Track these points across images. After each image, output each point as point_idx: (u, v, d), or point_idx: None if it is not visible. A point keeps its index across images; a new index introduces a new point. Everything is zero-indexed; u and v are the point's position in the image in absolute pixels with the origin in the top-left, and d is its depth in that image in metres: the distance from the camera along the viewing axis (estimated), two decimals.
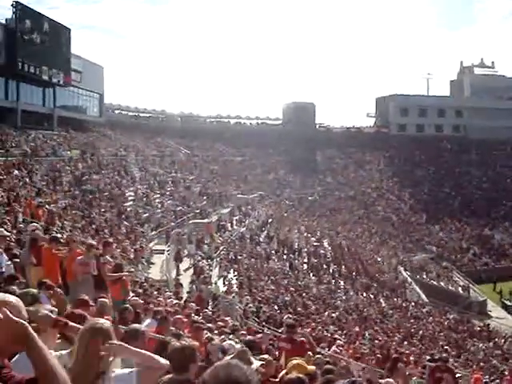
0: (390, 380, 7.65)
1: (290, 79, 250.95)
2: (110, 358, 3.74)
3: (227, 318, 16.34)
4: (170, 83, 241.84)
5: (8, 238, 13.42)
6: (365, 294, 38.46)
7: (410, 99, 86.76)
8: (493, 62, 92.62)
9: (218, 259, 32.82)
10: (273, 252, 40.68)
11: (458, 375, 13.60)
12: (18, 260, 11.53)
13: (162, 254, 30.24)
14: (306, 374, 6.34)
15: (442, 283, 50.10)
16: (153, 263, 28.75)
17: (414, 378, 15.08)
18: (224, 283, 28.14)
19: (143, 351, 4.18)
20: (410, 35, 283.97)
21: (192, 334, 9.46)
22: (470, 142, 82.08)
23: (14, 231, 15.72)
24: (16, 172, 29.98)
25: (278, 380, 5.89)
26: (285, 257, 41.13)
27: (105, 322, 3.98)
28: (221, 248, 35.48)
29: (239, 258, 34.39)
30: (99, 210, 31.85)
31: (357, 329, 25.74)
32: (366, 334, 24.96)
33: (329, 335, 20.20)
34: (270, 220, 49.80)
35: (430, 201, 71.42)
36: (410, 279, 47.88)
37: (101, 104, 62.76)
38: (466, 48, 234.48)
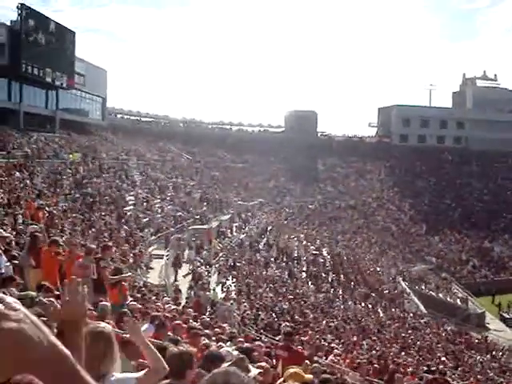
0: None
1: (292, 87, 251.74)
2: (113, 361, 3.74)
3: (225, 325, 16.30)
4: (173, 88, 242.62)
5: (7, 240, 13.40)
6: (363, 304, 38.38)
7: (412, 110, 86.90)
8: (495, 75, 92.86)
9: (217, 265, 32.80)
10: (272, 259, 40.63)
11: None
12: (17, 262, 11.51)
13: (161, 258, 30.22)
14: (303, 382, 6.33)
15: (440, 295, 50.00)
16: (152, 268, 28.71)
17: None
18: (222, 290, 28.13)
19: (153, 348, 4.18)
20: (414, 46, 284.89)
21: (189, 340, 9.44)
22: (472, 153, 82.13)
23: (14, 233, 15.70)
24: (17, 174, 29.99)
25: None
26: (284, 264, 41.06)
27: (106, 326, 3.97)
28: (220, 254, 35.46)
29: (238, 264, 34.36)
30: (99, 213, 31.82)
31: (354, 338, 25.68)
32: (364, 344, 24.89)
33: (326, 344, 20.15)
34: (269, 227, 49.76)
35: (430, 212, 71.38)
36: (408, 290, 47.81)
37: (103, 108, 62.84)
38: (469, 60, 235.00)
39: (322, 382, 6.97)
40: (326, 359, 15.37)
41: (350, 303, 37.04)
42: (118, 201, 37.16)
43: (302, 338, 18.14)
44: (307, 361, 9.26)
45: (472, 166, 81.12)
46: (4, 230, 13.96)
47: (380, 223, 67.61)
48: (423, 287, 50.81)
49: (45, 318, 3.33)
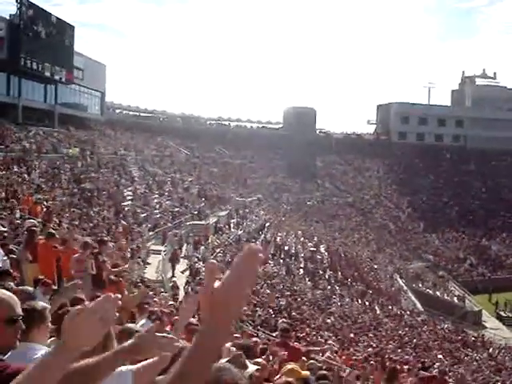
0: None
1: (291, 84, 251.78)
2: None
3: None
4: (172, 84, 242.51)
5: (5, 234, 13.40)
6: (360, 301, 38.42)
7: (411, 107, 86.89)
8: (495, 73, 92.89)
9: (215, 261, 32.76)
10: (269, 256, 40.62)
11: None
12: (14, 256, 11.49)
13: (159, 254, 30.22)
14: (300, 378, 6.33)
15: (437, 292, 50.08)
16: (149, 263, 28.70)
17: None
18: None
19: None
20: (413, 44, 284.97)
21: (186, 335, 9.42)
22: (470, 151, 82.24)
23: (12, 227, 15.69)
24: (15, 168, 29.97)
25: None
26: (281, 261, 41.08)
27: None
28: (217, 250, 35.46)
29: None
30: (97, 208, 31.79)
31: (351, 335, 25.70)
32: (361, 341, 24.92)
33: (323, 341, 20.15)
34: (267, 224, 49.76)
35: (428, 209, 71.48)
36: (405, 287, 47.91)
37: (102, 102, 62.72)
38: (468, 58, 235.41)
39: (319, 378, 6.97)
40: (323, 356, 15.37)
41: (347, 300, 37.08)
42: (116, 196, 37.14)
43: (299, 335, 18.15)
44: (304, 357, 9.26)
45: (470, 165, 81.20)
46: (1, 225, 13.95)
47: (378, 220, 67.70)
48: (420, 285, 50.90)
49: None
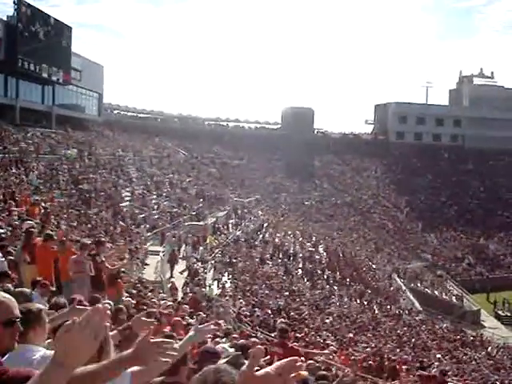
0: None
1: (289, 84, 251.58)
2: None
3: (220, 321, 16.30)
4: (170, 84, 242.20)
5: (3, 235, 13.39)
6: (358, 301, 38.44)
7: (408, 107, 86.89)
8: (492, 73, 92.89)
9: (213, 262, 32.82)
10: (268, 256, 40.65)
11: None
12: (11, 257, 11.49)
13: (157, 255, 30.22)
14: (299, 379, 6.32)
15: (436, 292, 50.12)
16: (147, 264, 28.70)
17: None
18: (218, 286, 28.15)
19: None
20: (410, 44, 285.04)
21: (185, 336, 9.42)
22: (468, 151, 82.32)
23: (9, 228, 15.68)
24: (13, 169, 29.94)
25: None
26: (280, 261, 41.11)
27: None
28: (216, 251, 35.48)
29: (234, 261, 34.39)
30: (95, 209, 31.79)
31: (350, 335, 25.72)
32: (359, 341, 24.94)
33: (321, 341, 20.17)
34: (265, 224, 49.81)
35: (426, 209, 71.53)
36: (404, 287, 47.92)
37: (100, 103, 62.66)
38: (466, 58, 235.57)
39: (318, 378, 6.98)
40: (321, 356, 15.38)
41: (345, 300, 37.10)
42: (114, 197, 37.14)
43: (298, 335, 18.17)
44: (302, 357, 9.27)
45: (468, 164, 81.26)
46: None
47: (376, 220, 67.74)
48: (419, 284, 50.93)
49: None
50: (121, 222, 32.17)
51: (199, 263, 31.30)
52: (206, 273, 29.78)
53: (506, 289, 51.77)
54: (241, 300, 25.42)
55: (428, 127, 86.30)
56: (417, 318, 38.91)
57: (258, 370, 1.68)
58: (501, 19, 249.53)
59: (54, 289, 9.86)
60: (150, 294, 17.82)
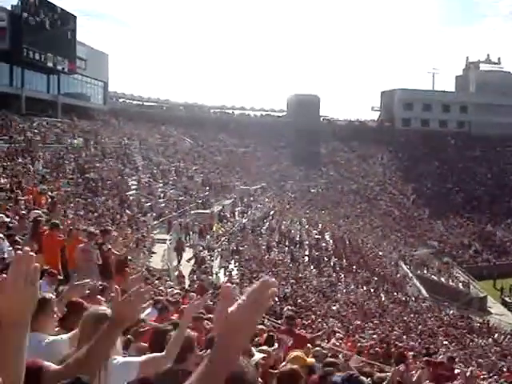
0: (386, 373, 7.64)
1: (295, 71, 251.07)
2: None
3: None
4: (175, 73, 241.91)
5: (10, 225, 13.43)
6: (365, 288, 38.47)
7: (415, 94, 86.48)
8: (499, 59, 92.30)
9: (220, 250, 32.89)
10: (274, 244, 40.68)
11: (456, 371, 13.58)
12: (19, 247, 11.52)
13: (164, 243, 30.29)
14: (305, 366, 6.35)
15: (442, 279, 50.09)
16: (154, 252, 28.79)
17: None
18: (225, 274, 28.22)
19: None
20: (417, 30, 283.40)
21: (192, 323, 9.46)
22: (474, 138, 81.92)
23: (17, 217, 15.72)
24: (19, 159, 30.01)
25: (277, 371, 5.89)
26: (286, 249, 41.15)
27: (107, 309, 4.00)
28: (222, 239, 35.54)
29: (241, 249, 34.44)
30: (102, 198, 31.86)
31: (357, 322, 25.76)
32: (366, 328, 24.98)
33: (328, 327, 20.21)
34: (272, 212, 49.82)
35: (432, 196, 71.36)
36: (410, 274, 47.93)
37: (105, 92, 62.62)
38: (473, 44, 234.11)
39: (326, 365, 6.99)
40: (328, 343, 15.42)
41: (352, 287, 37.14)
42: (120, 185, 37.19)
43: (304, 322, 18.21)
44: (309, 344, 9.28)
45: (475, 151, 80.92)
46: (6, 216, 13.98)
47: (382, 207, 67.66)
48: (425, 271, 50.92)
49: None
50: (127, 211, 32.25)
51: (206, 251, 31.37)
52: (212, 261, 29.85)
53: None
54: (247, 287, 25.42)
55: (434, 114, 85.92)
56: (423, 305, 38.96)
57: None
58: (508, 5, 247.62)
59: (61, 277, 9.90)
60: (157, 281, 17.88)
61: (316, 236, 45.95)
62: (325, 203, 64.14)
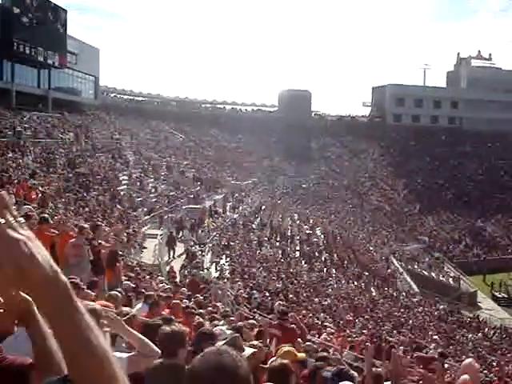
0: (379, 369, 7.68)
1: (286, 66, 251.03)
2: (106, 331, 3.77)
3: (218, 304, 16.36)
4: (166, 67, 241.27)
5: None
6: (356, 283, 38.59)
7: (406, 89, 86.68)
8: (490, 54, 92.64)
9: (211, 245, 32.87)
10: (265, 239, 40.71)
11: (446, 366, 13.66)
12: None
13: (155, 238, 30.22)
14: (296, 361, 6.36)
15: (433, 274, 50.30)
16: (145, 247, 28.72)
17: None
18: (216, 269, 28.21)
19: (139, 335, 4.21)
20: (408, 25, 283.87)
21: (183, 319, 9.47)
22: (465, 133, 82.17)
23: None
24: (10, 154, 29.84)
25: (267, 366, 5.91)
26: (277, 244, 41.18)
27: (95, 305, 4.00)
28: (214, 234, 35.52)
29: (232, 244, 34.43)
30: (92, 193, 31.73)
31: (347, 317, 25.84)
32: (357, 323, 25.06)
33: (319, 323, 20.27)
34: (263, 207, 49.83)
35: (423, 191, 71.59)
36: (401, 269, 48.07)
37: (96, 87, 62.44)
38: (464, 40, 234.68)
39: (319, 360, 7.01)
40: (319, 337, 15.47)
41: (343, 282, 37.23)
42: (111, 180, 37.08)
43: (296, 317, 18.20)
44: (300, 339, 9.32)
45: (466, 146, 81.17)
46: None
47: (373, 203, 67.83)
48: (416, 266, 51.10)
49: None
50: (118, 206, 32.15)
51: (197, 246, 31.35)
52: (203, 256, 29.84)
53: (503, 270, 51.99)
54: (239, 282, 25.48)
55: (425, 109, 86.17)
56: (414, 300, 39.12)
57: None
58: (498, 1, 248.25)
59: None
60: (147, 277, 17.86)
61: (307, 231, 46.02)
62: (316, 198, 64.23)
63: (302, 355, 6.86)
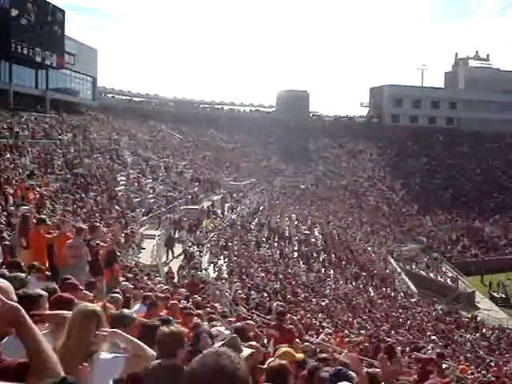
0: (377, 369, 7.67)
1: (284, 67, 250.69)
2: (102, 341, 3.78)
3: (216, 304, 16.36)
4: (164, 68, 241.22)
5: None
6: (354, 283, 38.58)
7: (404, 90, 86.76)
8: (488, 55, 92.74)
9: (209, 245, 32.89)
10: (263, 239, 40.71)
11: (444, 366, 13.65)
12: (7, 242, 11.47)
13: (153, 239, 30.24)
14: (295, 361, 6.36)
15: (431, 274, 50.33)
16: (143, 248, 28.73)
17: None
18: (214, 269, 28.22)
19: (135, 340, 4.21)
20: (406, 26, 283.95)
21: (182, 319, 9.47)
22: (463, 134, 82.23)
23: (5, 213, 15.65)
24: (7, 154, 29.81)
25: (265, 367, 5.91)
26: (275, 244, 41.18)
27: (95, 306, 4.01)
28: (212, 234, 35.53)
29: (230, 244, 34.44)
30: (90, 193, 31.73)
31: (345, 317, 25.85)
32: (355, 323, 25.07)
33: (317, 323, 20.28)
34: (261, 207, 49.83)
35: (421, 192, 71.62)
36: (399, 269, 48.08)
37: (94, 87, 62.38)
38: (462, 40, 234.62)
39: (319, 361, 7.00)
40: (317, 338, 15.47)
41: (341, 282, 37.23)
42: (109, 181, 37.07)
43: (293, 318, 18.21)
44: (298, 340, 9.32)
45: (464, 147, 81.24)
46: None
47: (371, 203, 67.81)
48: (414, 267, 51.13)
49: None
50: (116, 207, 32.15)
51: (195, 247, 31.36)
52: (201, 256, 29.85)
53: (501, 271, 52.02)
54: (237, 283, 25.49)
55: (423, 110, 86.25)
56: (412, 300, 39.13)
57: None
58: (496, 1, 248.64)
59: (49, 274, 9.87)
60: (145, 277, 17.86)
61: (305, 232, 45.97)
62: (314, 199, 64.21)
63: (300, 356, 6.87)
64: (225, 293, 21.98)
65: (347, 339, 17.53)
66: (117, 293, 9.10)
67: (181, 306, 11.23)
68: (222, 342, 5.57)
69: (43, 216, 13.20)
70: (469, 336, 31.67)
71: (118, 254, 16.27)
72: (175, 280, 21.48)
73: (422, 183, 74.06)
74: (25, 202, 18.87)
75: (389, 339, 20.48)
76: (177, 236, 33.15)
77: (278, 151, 74.49)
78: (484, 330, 35.07)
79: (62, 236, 11.85)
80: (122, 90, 76.34)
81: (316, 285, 33.52)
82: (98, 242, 11.97)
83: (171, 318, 7.12)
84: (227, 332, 8.03)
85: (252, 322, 11.75)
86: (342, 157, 78.23)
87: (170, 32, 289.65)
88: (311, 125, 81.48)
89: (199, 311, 11.97)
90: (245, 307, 21.13)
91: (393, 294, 38.91)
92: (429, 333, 28.32)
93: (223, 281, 24.97)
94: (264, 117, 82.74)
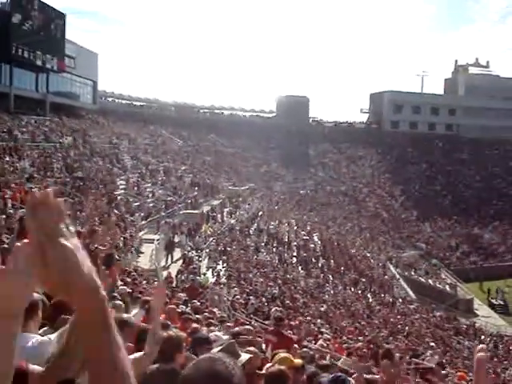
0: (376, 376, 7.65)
1: (284, 72, 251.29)
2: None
3: (215, 310, 16.33)
4: (165, 72, 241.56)
5: None
6: (353, 289, 38.53)
7: (404, 96, 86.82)
8: (488, 62, 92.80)
9: (208, 250, 32.85)
10: (262, 244, 40.65)
11: (443, 372, 13.63)
12: (5, 246, 11.45)
13: (152, 243, 30.20)
14: (293, 367, 6.34)
15: (429, 281, 50.28)
16: (142, 252, 28.68)
17: None
18: (213, 274, 28.17)
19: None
20: (407, 33, 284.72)
21: (180, 324, 9.44)
22: (463, 140, 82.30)
23: (3, 217, 15.63)
24: (7, 157, 29.82)
25: (263, 373, 5.89)
26: (274, 250, 41.12)
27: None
28: (211, 239, 35.49)
29: (229, 249, 34.40)
30: (90, 197, 31.69)
31: (344, 323, 25.79)
32: (353, 329, 25.00)
33: (316, 329, 20.23)
34: (260, 213, 49.77)
35: (420, 198, 71.62)
36: (398, 275, 48.04)
37: (94, 91, 62.37)
38: (462, 47, 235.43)
39: (320, 368, 6.99)
40: (316, 344, 15.44)
41: (339, 288, 37.17)
42: (108, 185, 37.04)
43: (292, 323, 18.20)
44: (296, 345, 9.30)
45: (463, 154, 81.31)
46: None
47: (371, 209, 67.82)
48: (413, 273, 51.08)
49: None
50: (115, 210, 32.11)
51: (194, 251, 31.32)
52: (200, 261, 29.81)
53: (500, 277, 52.03)
54: (235, 288, 25.45)
55: (423, 116, 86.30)
56: (410, 307, 39.06)
57: None
58: (496, 9, 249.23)
59: None
60: (144, 282, 17.83)
61: (304, 237, 45.95)
62: (313, 204, 64.24)
63: (298, 361, 6.85)
64: (223, 298, 21.94)
65: (345, 345, 17.50)
66: (117, 299, 9.08)
67: (179, 310, 11.21)
68: (220, 348, 5.55)
69: None
70: (467, 343, 31.62)
71: (117, 257, 16.24)
72: (173, 284, 21.44)
73: (422, 189, 74.10)
74: (23, 205, 18.84)
75: (387, 346, 20.41)
76: (176, 240, 33.12)
77: (278, 156, 74.49)
78: (482, 337, 35.02)
79: None
80: (122, 94, 76.36)
81: (315, 290, 33.48)
82: (96, 245, 11.96)
83: (169, 323, 7.10)
84: (225, 337, 8.01)
85: (251, 327, 11.74)
86: (341, 162, 78.26)
87: (170, 36, 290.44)
88: (311, 130, 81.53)
89: (198, 316, 11.94)
90: (243, 312, 21.09)
91: (391, 300, 38.85)
92: (427, 339, 28.26)
93: (222, 286, 24.93)
94: (264, 122, 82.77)
